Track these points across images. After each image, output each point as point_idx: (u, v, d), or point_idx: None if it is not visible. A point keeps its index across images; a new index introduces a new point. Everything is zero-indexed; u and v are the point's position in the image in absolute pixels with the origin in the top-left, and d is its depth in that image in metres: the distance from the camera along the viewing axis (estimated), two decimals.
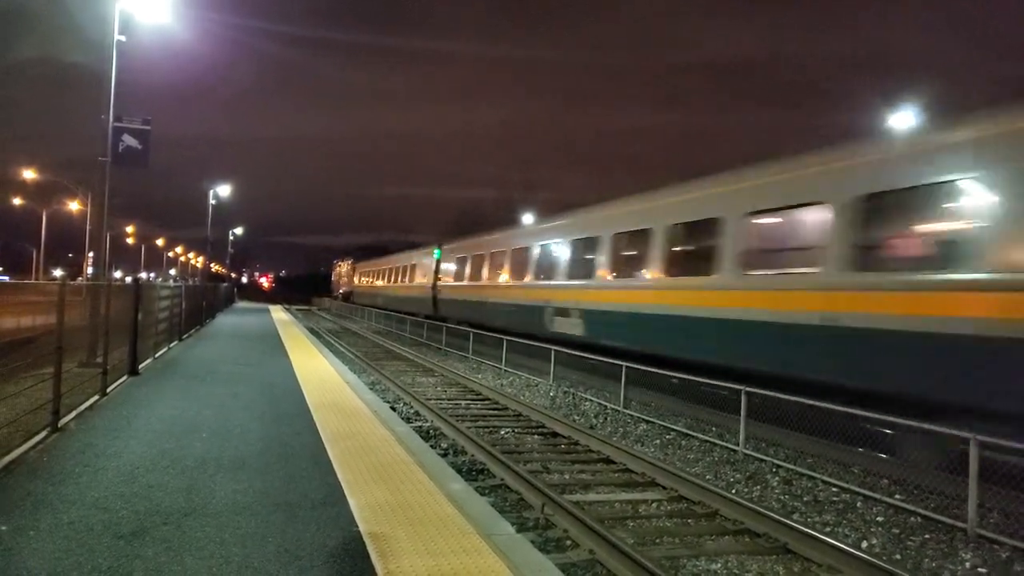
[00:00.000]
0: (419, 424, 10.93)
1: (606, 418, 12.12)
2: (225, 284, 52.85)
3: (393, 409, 10.90)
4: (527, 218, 25.99)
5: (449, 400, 13.63)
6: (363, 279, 56.20)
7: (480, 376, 17.32)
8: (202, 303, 25.51)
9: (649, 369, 12.99)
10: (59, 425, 7.16)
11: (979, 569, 5.79)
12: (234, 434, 7.29)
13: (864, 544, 6.28)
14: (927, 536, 6.54)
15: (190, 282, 36.27)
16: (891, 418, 7.98)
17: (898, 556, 6.04)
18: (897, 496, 7.63)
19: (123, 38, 13.63)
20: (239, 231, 77.14)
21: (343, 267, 67.69)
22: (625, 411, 12.43)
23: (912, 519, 6.99)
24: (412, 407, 12.54)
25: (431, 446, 8.23)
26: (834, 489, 7.95)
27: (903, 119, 12.05)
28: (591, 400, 13.64)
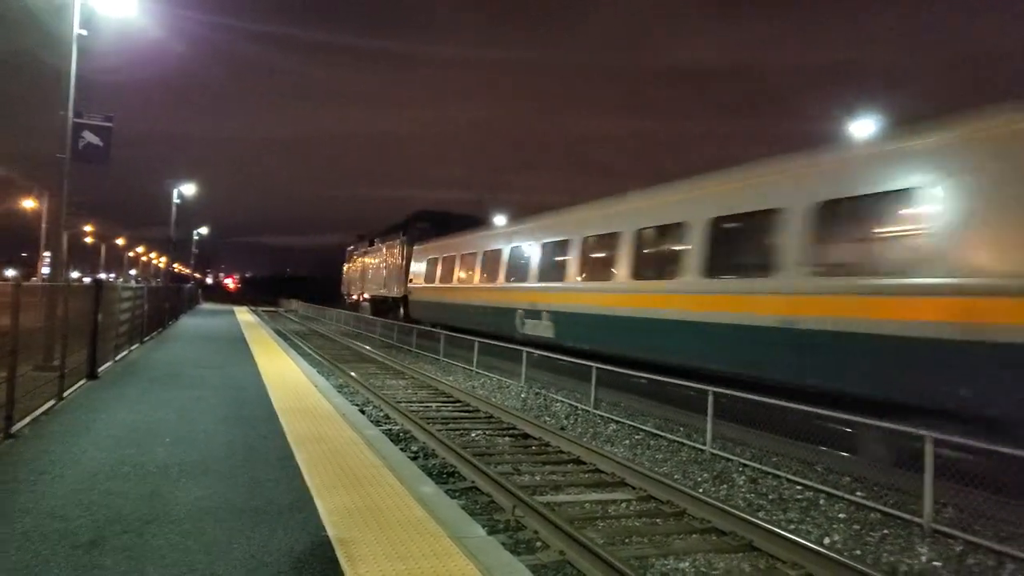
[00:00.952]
0: (389, 427, 10.86)
1: (576, 419, 12.17)
2: (189, 285, 51.97)
3: (362, 412, 10.83)
4: (499, 219, 25.70)
5: (419, 403, 13.57)
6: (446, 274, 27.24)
7: (451, 378, 17.28)
8: (165, 305, 25.04)
9: (619, 370, 13.08)
10: (12, 431, 6.96)
11: (934, 563, 5.94)
12: (198, 439, 7.17)
13: (827, 540, 6.40)
14: (886, 531, 6.69)
15: (152, 283, 35.54)
16: (851, 416, 8.15)
17: (859, 551, 6.17)
18: (858, 493, 7.79)
19: (84, 32, 13.31)
20: (204, 231, 75.94)
21: (377, 255, 39.33)
22: (595, 412, 12.50)
23: (872, 515, 7.14)
24: (382, 410, 12.46)
25: (401, 449, 8.20)
26: (798, 487, 8.09)
27: (862, 127, 12.35)
28: (562, 401, 13.68)
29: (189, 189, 46.23)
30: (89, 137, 14.10)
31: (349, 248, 51.47)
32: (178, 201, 45.67)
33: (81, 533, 4.42)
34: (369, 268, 41.68)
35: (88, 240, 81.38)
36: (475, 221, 29.33)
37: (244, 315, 39.58)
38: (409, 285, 30.36)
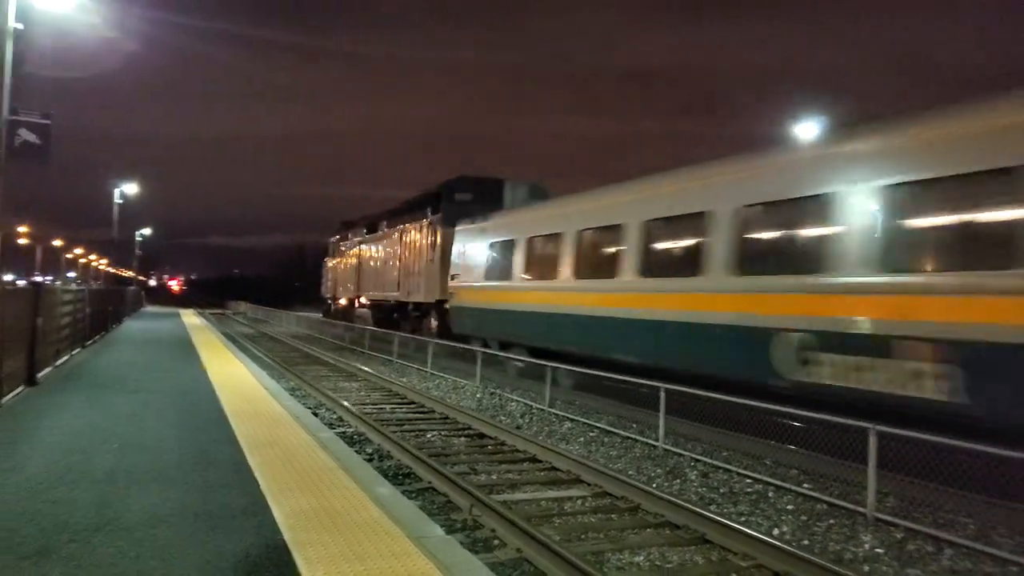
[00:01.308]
0: (343, 430, 10.75)
1: (532, 418, 12.24)
2: (132, 288, 50.52)
3: (315, 415, 10.69)
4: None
5: (373, 404, 13.47)
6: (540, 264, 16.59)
7: (405, 379, 17.18)
8: (108, 308, 24.29)
9: (572, 368, 13.22)
10: None
11: (877, 550, 6.16)
12: (147, 445, 7.00)
13: (776, 531, 6.58)
14: (832, 521, 6.91)
15: (94, 285, 34.41)
16: (798, 411, 8.39)
17: (806, 541, 6.36)
18: (805, 485, 8.03)
19: (20, 26, 12.82)
20: (147, 232, 73.87)
21: (383, 244, 29.43)
22: (550, 410, 12.59)
23: (819, 506, 7.38)
24: (335, 412, 12.32)
25: (356, 451, 8.15)
26: (748, 480, 8.30)
27: (806, 130, 12.75)
28: (517, 400, 13.74)
29: (132, 189, 44.97)
30: (26, 135, 13.57)
31: (332, 239, 40.26)
32: (120, 201, 44.37)
33: (26, 544, 4.27)
34: (368, 263, 31.26)
35: (22, 241, 78.30)
36: (541, 191, 21.97)
37: (190, 318, 38.64)
38: (451, 285, 20.25)
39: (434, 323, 22.86)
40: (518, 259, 16.88)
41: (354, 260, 34.13)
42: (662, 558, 5.87)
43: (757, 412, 9.11)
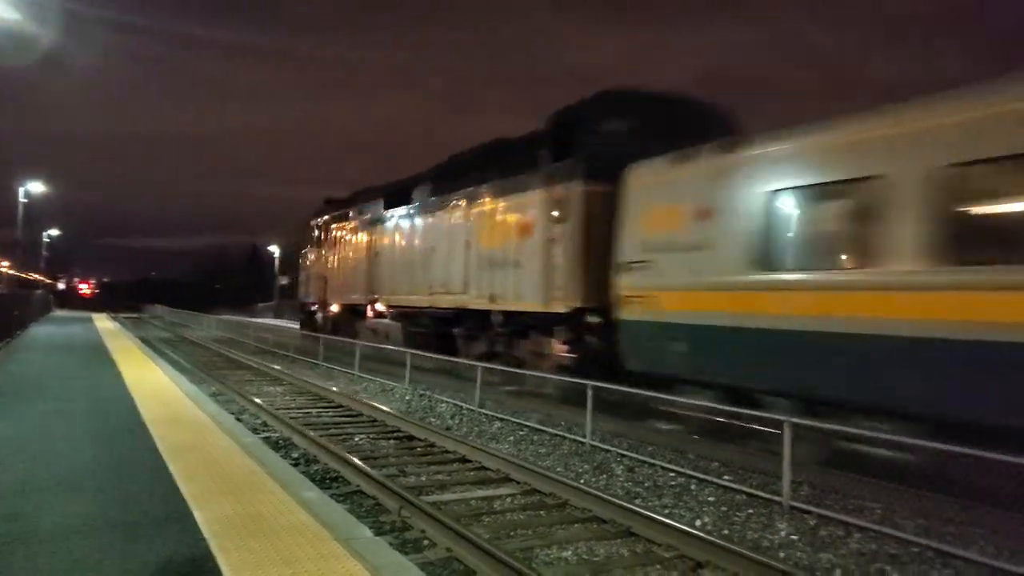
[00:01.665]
0: (268, 435, 10.53)
1: (462, 419, 12.27)
2: (40, 291, 47.94)
3: (238, 420, 10.44)
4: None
5: (299, 409, 13.23)
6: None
7: (332, 383, 16.93)
8: (13, 312, 23.00)
9: (504, 368, 13.33)
10: None
11: (792, 536, 6.48)
12: (60, 454, 6.70)
13: (698, 522, 6.83)
14: (751, 511, 7.22)
15: None
16: (715, 405, 8.69)
17: (726, 531, 6.62)
18: (726, 477, 8.35)
19: None
20: (55, 232, 70.27)
21: (430, 221, 18.18)
22: (480, 411, 12.65)
23: (738, 497, 7.68)
24: (259, 417, 12.05)
25: (282, 456, 8.02)
26: (672, 474, 8.56)
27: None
28: (447, 402, 13.74)
29: (38, 188, 42.71)
30: None
31: (315, 220, 27.95)
32: (25, 200, 42.09)
33: None
34: (394, 252, 20.24)
35: None
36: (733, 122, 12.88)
37: (104, 322, 36.98)
38: (623, 283, 11.16)
39: (561, 347, 12.98)
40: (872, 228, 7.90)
41: (362, 249, 22.55)
42: (589, 552, 6.01)
43: (682, 407, 9.38)
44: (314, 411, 12.99)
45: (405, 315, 19.33)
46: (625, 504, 6.93)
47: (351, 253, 23.85)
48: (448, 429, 11.25)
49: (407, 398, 14.49)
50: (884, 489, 7.59)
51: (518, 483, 8.05)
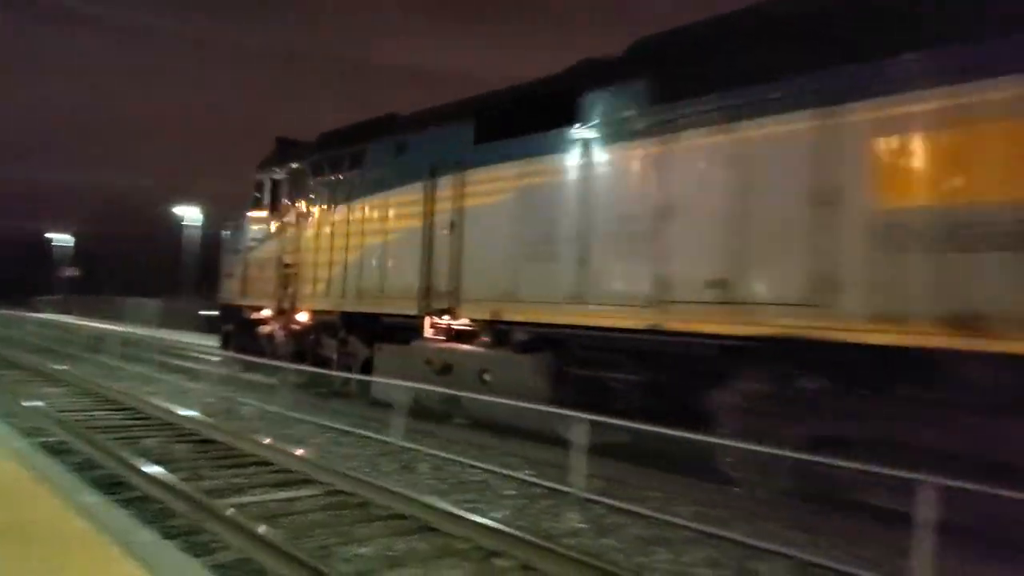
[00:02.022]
0: (43, 439, 9.55)
1: (268, 421, 11.87)
2: None
3: (9, 424, 9.41)
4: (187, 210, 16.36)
5: (82, 411, 12.10)
6: None
7: (121, 384, 15.62)
8: None
9: (314, 370, 13.08)
10: None
11: (581, 525, 7.01)
12: None
13: (496, 515, 7.16)
14: (547, 503, 7.69)
15: None
16: (512, 402, 9.15)
17: (523, 522, 7.00)
18: (526, 471, 8.81)
19: None
20: None
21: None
22: (287, 413, 12.29)
23: (536, 490, 8.15)
24: (33, 421, 10.87)
25: (59, 461, 7.37)
26: (476, 470, 8.88)
27: None
28: (252, 404, 13.20)
29: None
30: None
31: (274, 172, 15.35)
32: None
33: None
34: (518, 223, 9.91)
35: None
36: None
37: None
38: None
39: None
40: None
41: (416, 218, 11.70)
42: (388, 547, 6.11)
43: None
44: (99, 414, 11.92)
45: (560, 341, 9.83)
46: (427, 500, 7.10)
47: (383, 224, 12.66)
48: (252, 431, 10.83)
49: (208, 400, 13.71)
50: (668, 480, 8.40)
51: (322, 484, 7.96)
